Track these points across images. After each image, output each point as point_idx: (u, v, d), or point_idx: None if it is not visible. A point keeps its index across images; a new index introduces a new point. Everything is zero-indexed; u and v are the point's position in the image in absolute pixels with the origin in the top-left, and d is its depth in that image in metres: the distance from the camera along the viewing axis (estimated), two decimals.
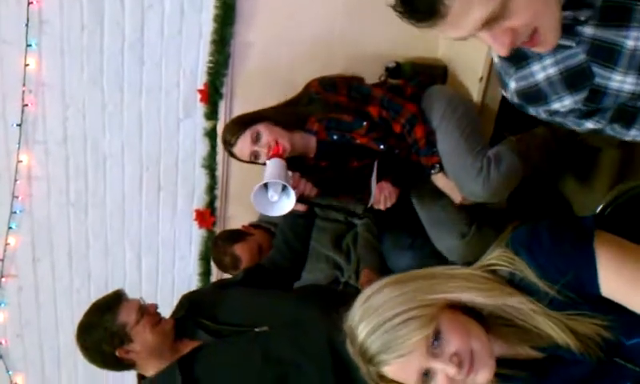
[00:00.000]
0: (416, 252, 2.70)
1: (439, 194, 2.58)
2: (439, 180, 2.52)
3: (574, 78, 1.28)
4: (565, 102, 1.32)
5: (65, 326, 3.58)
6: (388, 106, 2.50)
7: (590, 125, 1.39)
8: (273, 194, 2.12)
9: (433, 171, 2.50)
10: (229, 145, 2.52)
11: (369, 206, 2.54)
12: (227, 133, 2.53)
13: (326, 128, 2.53)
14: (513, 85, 1.38)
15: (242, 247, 2.80)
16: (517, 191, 2.50)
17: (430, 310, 1.19)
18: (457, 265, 1.38)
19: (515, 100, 1.42)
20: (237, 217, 3.30)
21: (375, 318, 1.20)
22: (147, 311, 2.04)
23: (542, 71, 1.31)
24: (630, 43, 1.21)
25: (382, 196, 2.48)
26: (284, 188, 2.12)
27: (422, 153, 2.48)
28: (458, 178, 2.45)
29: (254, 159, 2.50)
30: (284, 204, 2.13)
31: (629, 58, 1.22)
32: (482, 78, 2.61)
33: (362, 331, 1.22)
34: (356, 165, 2.60)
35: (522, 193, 2.55)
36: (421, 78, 2.77)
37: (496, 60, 1.42)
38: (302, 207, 2.25)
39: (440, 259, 2.64)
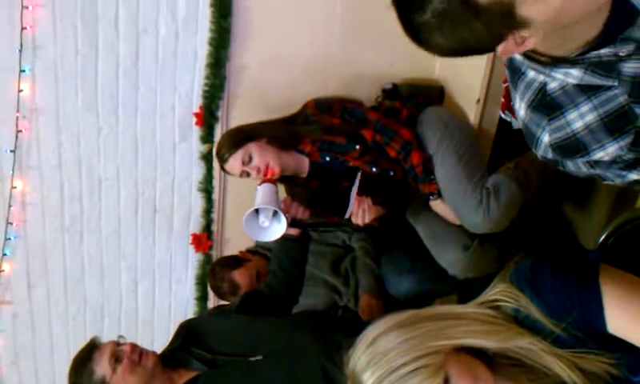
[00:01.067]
0: (416, 276, 2.65)
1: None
2: (438, 206, 2.49)
3: (615, 123, 1.16)
4: (608, 150, 1.19)
5: (60, 352, 3.54)
6: (382, 131, 2.48)
7: (634, 176, 1.26)
8: (264, 220, 2.11)
9: (431, 198, 2.48)
10: (221, 160, 2.52)
11: (345, 217, 2.48)
12: (221, 147, 2.53)
13: (318, 149, 2.52)
14: (546, 138, 1.24)
15: (240, 273, 2.77)
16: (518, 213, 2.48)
17: (438, 358, 1.15)
18: (463, 305, 1.33)
19: (550, 155, 1.28)
20: (234, 240, 3.27)
21: (382, 367, 1.16)
22: (124, 354, 2.01)
23: (580, 119, 1.19)
24: None
25: (359, 209, 2.39)
26: (275, 213, 2.10)
27: (420, 180, 2.46)
28: (457, 210, 2.43)
29: (245, 177, 2.50)
30: (275, 229, 2.12)
31: None
32: (479, 100, 2.59)
33: (367, 380, 1.18)
34: (347, 185, 2.58)
35: (523, 213, 2.53)
36: (418, 99, 2.76)
37: (522, 113, 1.30)
38: (294, 231, 2.24)
39: (440, 281, 2.60)
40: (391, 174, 2.52)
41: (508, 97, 2.54)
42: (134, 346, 2.04)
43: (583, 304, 1.17)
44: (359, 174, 2.48)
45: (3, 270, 3.28)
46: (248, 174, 2.46)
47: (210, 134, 3.04)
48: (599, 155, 1.20)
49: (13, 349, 3.53)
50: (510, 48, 1.02)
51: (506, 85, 2.55)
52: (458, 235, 2.50)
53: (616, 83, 1.13)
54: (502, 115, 2.59)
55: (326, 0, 2.85)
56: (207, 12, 2.81)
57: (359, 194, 2.41)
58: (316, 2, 2.85)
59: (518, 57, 1.23)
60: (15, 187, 3.09)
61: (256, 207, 2.08)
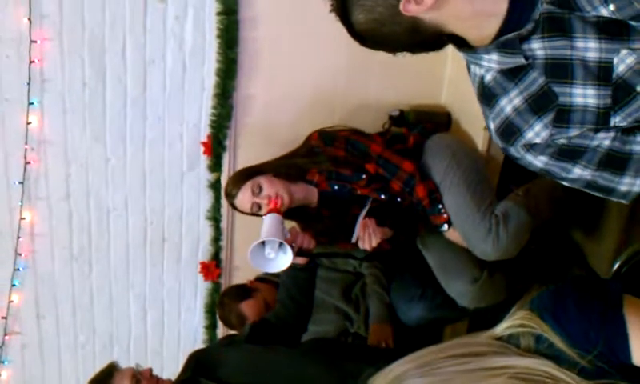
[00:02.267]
0: (427, 303, 2.65)
1: (448, 241, 2.54)
2: (451, 235, 2.49)
3: (538, 102, 1.27)
4: (535, 128, 1.29)
5: (70, 382, 3.53)
6: (384, 167, 2.49)
7: (577, 170, 1.33)
8: (270, 251, 2.10)
9: (442, 230, 2.47)
10: (230, 197, 2.52)
11: (352, 241, 2.47)
12: (229, 185, 2.54)
13: (326, 179, 2.53)
14: (492, 126, 1.37)
15: (249, 305, 2.76)
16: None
17: None
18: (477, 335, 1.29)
19: (499, 143, 1.39)
20: (243, 268, 3.27)
21: None
22: (143, 377, 2.02)
23: (509, 104, 1.30)
24: (577, 54, 1.22)
25: (365, 233, 2.38)
26: (281, 244, 2.09)
27: (428, 212, 2.46)
28: (466, 238, 2.42)
29: (255, 211, 2.49)
30: (281, 260, 2.11)
31: (582, 69, 1.23)
32: (486, 127, 2.59)
33: None
34: (358, 212, 2.58)
35: (533, 240, 2.52)
36: (425, 125, 2.76)
37: (478, 106, 1.43)
38: (301, 260, 2.23)
39: (451, 309, 2.59)
40: (399, 200, 2.52)
41: None
42: (151, 371, 2.06)
43: (608, 335, 1.15)
44: (369, 201, 2.48)
45: (12, 301, 3.27)
46: (259, 207, 2.45)
47: (218, 162, 3.05)
48: (530, 135, 1.30)
49: (22, 379, 3.51)
50: (409, 7, 1.19)
51: None
52: (467, 266, 2.49)
53: (524, 61, 1.26)
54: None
55: (333, 30, 2.85)
56: (214, 43, 2.82)
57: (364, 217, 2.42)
58: (322, 31, 2.83)
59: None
60: (24, 218, 3.09)
61: (262, 239, 2.08)
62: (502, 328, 1.25)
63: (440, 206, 2.44)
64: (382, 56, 2.85)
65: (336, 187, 2.52)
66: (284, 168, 2.53)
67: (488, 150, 2.63)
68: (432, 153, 2.54)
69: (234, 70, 2.85)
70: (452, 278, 2.54)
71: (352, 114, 2.93)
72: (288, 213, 2.44)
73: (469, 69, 1.40)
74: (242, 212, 2.55)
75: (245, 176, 2.50)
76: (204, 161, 3.08)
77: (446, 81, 2.99)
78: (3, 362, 3.42)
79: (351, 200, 2.54)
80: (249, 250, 2.05)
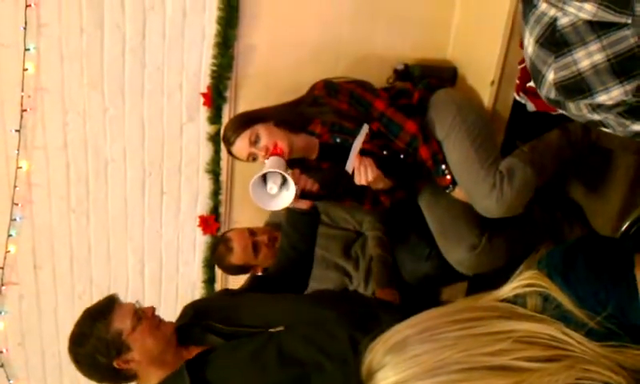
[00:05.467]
0: (434, 262, 2.64)
1: (449, 204, 2.51)
2: (456, 194, 2.45)
3: (623, 65, 1.14)
4: (612, 93, 1.17)
5: (66, 334, 3.46)
6: (387, 126, 2.43)
7: (636, 127, 1.24)
8: (272, 186, 2.04)
9: (447, 191, 2.44)
10: (228, 143, 2.47)
11: (347, 169, 2.40)
12: (228, 130, 2.48)
13: (329, 131, 2.47)
14: (551, 76, 1.23)
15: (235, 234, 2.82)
16: None
17: None
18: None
19: (552, 95, 1.26)
20: (241, 222, 3.23)
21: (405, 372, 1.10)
22: (144, 315, 1.90)
23: (587, 58, 1.16)
24: None
25: (361, 165, 2.29)
26: (283, 182, 2.03)
27: (432, 174, 2.42)
28: (470, 194, 2.38)
29: (251, 160, 2.45)
30: (284, 197, 2.04)
31: None
32: (493, 82, 2.54)
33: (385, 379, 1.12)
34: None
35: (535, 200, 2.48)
36: (430, 80, 2.70)
37: (530, 50, 1.27)
38: (304, 204, 2.16)
39: (456, 270, 2.57)
40: (402, 156, 2.47)
41: (523, 78, 2.49)
42: (154, 310, 1.95)
43: (619, 296, 1.12)
44: (365, 126, 2.41)
45: (9, 251, 3.25)
46: (255, 158, 2.41)
47: (218, 114, 2.99)
48: (602, 98, 1.19)
49: (19, 330, 3.51)
50: None
51: (522, 66, 2.49)
52: (466, 232, 2.47)
53: (629, 21, 1.10)
54: (517, 97, 2.53)
55: None
56: None
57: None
58: None
59: None
60: (20, 167, 3.05)
61: (264, 171, 2.01)
62: (509, 288, 1.21)
63: (443, 167, 2.40)
64: (387, 5, 2.80)
65: (338, 140, 2.47)
66: (287, 116, 2.47)
67: (494, 106, 2.58)
68: (437, 108, 2.49)
69: (235, 18, 2.77)
70: (451, 246, 2.52)
71: (356, 68, 2.86)
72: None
73: (529, 1, 1.25)
74: (239, 159, 2.50)
75: (244, 122, 2.43)
76: (204, 112, 3.02)
77: (452, 34, 2.92)
78: (0, 312, 3.41)
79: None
80: (250, 183, 1.98)
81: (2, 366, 3.56)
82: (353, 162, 2.30)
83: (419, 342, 1.11)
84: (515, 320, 1.13)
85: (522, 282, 1.19)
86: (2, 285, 3.33)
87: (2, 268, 3.28)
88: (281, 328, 1.87)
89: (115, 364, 1.82)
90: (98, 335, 1.82)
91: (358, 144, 2.33)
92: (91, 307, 1.93)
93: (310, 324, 1.87)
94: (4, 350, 3.53)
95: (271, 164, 2.09)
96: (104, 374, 1.85)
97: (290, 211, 2.16)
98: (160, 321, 1.93)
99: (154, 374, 1.86)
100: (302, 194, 2.12)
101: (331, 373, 1.74)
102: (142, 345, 1.84)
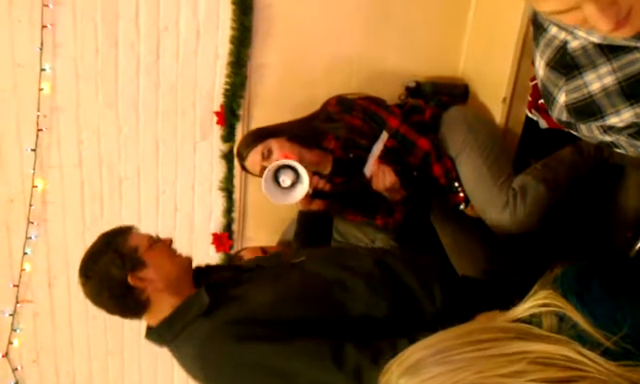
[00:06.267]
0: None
1: (462, 221, 2.51)
2: (469, 211, 2.46)
3: (633, 88, 1.14)
4: (623, 116, 1.17)
5: (81, 352, 3.53)
6: (400, 142, 2.43)
7: None
8: (284, 179, 2.03)
9: (460, 208, 2.44)
10: (241, 158, 2.50)
11: (366, 173, 2.38)
12: (241, 146, 2.52)
13: (342, 146, 2.48)
14: (562, 98, 1.23)
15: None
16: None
17: None
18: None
19: (564, 117, 1.26)
20: (255, 240, 3.24)
21: None
22: (162, 241, 1.88)
23: (598, 81, 1.16)
24: None
25: (379, 170, 2.32)
26: (295, 181, 2.02)
27: (446, 191, 2.42)
28: (483, 212, 2.38)
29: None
30: (297, 190, 2.03)
31: None
32: (505, 99, 2.54)
33: None
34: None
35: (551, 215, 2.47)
36: (441, 97, 2.71)
37: (541, 72, 1.27)
38: (316, 205, 2.15)
39: None
40: (415, 173, 2.48)
41: (535, 95, 2.49)
42: (171, 241, 1.93)
43: (635, 315, 1.12)
44: (384, 133, 2.41)
45: (24, 269, 3.27)
46: None
47: (231, 133, 3.01)
48: (613, 120, 1.18)
49: (34, 347, 3.52)
50: None
51: (533, 82, 2.49)
52: (479, 250, 2.46)
53: (639, 45, 1.09)
54: (529, 114, 2.53)
55: None
56: (228, 9, 2.78)
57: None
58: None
59: None
60: (36, 186, 3.08)
61: (277, 163, 2.00)
62: (524, 308, 1.20)
63: (456, 184, 2.41)
64: (399, 23, 2.81)
65: (351, 155, 2.49)
66: (300, 131, 2.49)
67: (506, 123, 2.58)
68: (449, 126, 2.50)
69: (248, 38, 2.80)
70: (464, 263, 2.51)
71: (368, 83, 2.87)
72: None
73: (540, 25, 1.25)
74: (253, 174, 2.52)
75: (257, 137, 2.46)
76: (217, 131, 3.04)
77: (464, 51, 2.93)
78: (15, 330, 3.42)
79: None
80: (263, 177, 1.97)
81: (17, 383, 3.57)
82: (371, 167, 2.30)
83: (434, 363, 1.10)
84: (531, 341, 1.12)
85: (537, 301, 1.18)
86: (17, 302, 3.34)
87: (17, 286, 3.29)
88: (303, 258, 1.88)
89: (129, 279, 1.76)
90: (114, 247, 1.79)
91: (377, 149, 2.34)
92: (107, 230, 1.90)
93: (333, 252, 1.89)
94: (19, 368, 3.54)
95: (282, 160, 2.09)
96: (115, 291, 1.78)
97: (301, 213, 2.16)
98: (177, 252, 1.91)
99: (167, 301, 1.80)
100: (313, 194, 2.11)
101: (355, 287, 1.74)
102: (159, 264, 1.80)
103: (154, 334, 1.83)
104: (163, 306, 1.79)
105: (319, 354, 1.62)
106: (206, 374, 1.73)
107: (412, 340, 1.54)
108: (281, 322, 1.68)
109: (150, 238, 1.85)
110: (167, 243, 1.89)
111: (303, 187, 2.00)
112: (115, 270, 1.76)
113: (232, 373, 1.69)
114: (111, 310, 1.83)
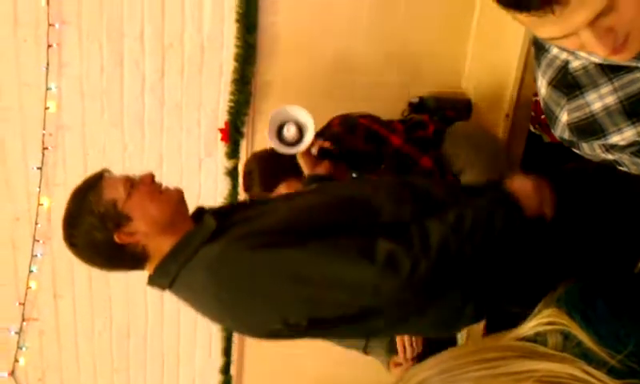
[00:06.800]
0: None
1: None
2: None
3: (635, 107, 1.14)
4: (625, 134, 1.16)
5: (86, 369, 3.53)
6: (402, 162, 2.44)
7: None
8: (289, 128, 2.04)
9: None
10: (249, 190, 2.48)
11: None
12: (254, 183, 2.45)
13: (346, 168, 2.49)
14: (564, 117, 1.23)
15: None
16: None
17: None
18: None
19: (566, 135, 1.26)
20: None
21: None
22: (141, 181, 1.66)
23: (599, 100, 1.16)
24: None
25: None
26: (300, 129, 2.03)
27: None
28: None
29: None
30: (304, 141, 2.02)
31: None
32: (508, 115, 2.54)
33: None
34: None
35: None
36: (445, 112, 2.72)
37: (543, 91, 1.28)
38: (322, 168, 2.14)
39: None
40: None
41: (538, 111, 2.49)
42: (153, 176, 1.70)
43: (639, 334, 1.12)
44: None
45: (30, 287, 3.28)
46: None
47: (236, 149, 3.03)
48: (615, 139, 1.17)
49: (39, 366, 3.52)
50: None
51: (536, 98, 2.50)
52: None
53: (639, 65, 1.09)
54: (532, 130, 2.54)
55: (352, 15, 2.83)
56: (233, 27, 2.80)
57: None
58: (342, 17, 2.83)
59: None
60: (42, 204, 3.09)
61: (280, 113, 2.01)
62: (530, 326, 1.20)
63: None
64: (402, 38, 2.82)
65: (354, 175, 2.49)
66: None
67: (509, 138, 2.59)
68: (452, 142, 2.50)
69: (252, 56, 2.83)
70: None
71: (371, 102, 2.87)
72: None
73: (541, 46, 1.25)
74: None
75: (268, 178, 2.41)
76: (221, 147, 3.06)
77: (467, 66, 2.95)
78: (21, 348, 3.43)
79: None
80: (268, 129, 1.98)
81: None
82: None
83: (439, 383, 1.11)
84: (536, 359, 1.12)
85: (542, 319, 1.18)
86: (23, 320, 3.35)
87: (23, 304, 3.30)
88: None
89: (116, 238, 1.59)
90: (89, 209, 1.60)
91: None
92: (78, 184, 1.69)
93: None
94: None
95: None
96: (106, 254, 1.64)
97: (308, 177, 2.14)
98: (162, 186, 1.71)
99: (166, 242, 1.62)
100: (319, 154, 2.10)
101: (377, 194, 1.64)
102: (144, 213, 1.61)
103: (156, 273, 1.66)
104: (163, 249, 1.63)
105: (346, 248, 1.51)
106: (220, 299, 1.58)
107: (441, 219, 1.51)
108: (299, 230, 1.54)
109: (127, 181, 1.64)
110: (147, 182, 1.67)
111: (309, 135, 1.98)
112: (98, 234, 1.59)
113: (249, 288, 1.55)
114: (112, 270, 1.72)
